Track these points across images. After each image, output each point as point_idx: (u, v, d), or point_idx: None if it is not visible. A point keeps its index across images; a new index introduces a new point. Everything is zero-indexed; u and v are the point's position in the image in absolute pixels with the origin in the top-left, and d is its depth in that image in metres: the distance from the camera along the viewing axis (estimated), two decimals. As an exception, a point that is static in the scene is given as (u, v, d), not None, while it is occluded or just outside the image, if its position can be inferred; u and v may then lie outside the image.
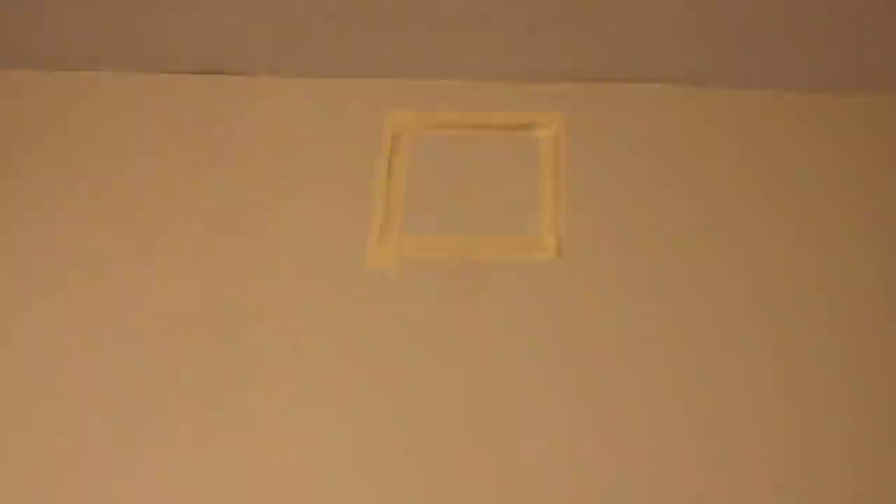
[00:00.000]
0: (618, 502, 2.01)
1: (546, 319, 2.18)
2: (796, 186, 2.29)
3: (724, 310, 2.17)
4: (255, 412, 2.11)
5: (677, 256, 2.23)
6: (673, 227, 2.26)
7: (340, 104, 2.41)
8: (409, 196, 2.31)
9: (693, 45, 2.25)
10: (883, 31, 2.20)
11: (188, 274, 2.24)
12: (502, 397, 2.11)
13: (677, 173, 2.31)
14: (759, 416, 2.07)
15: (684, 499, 2.01)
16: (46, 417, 2.12)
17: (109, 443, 2.09)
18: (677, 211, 2.27)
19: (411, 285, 2.22)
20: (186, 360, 2.16)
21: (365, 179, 2.33)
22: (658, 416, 2.08)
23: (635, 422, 2.08)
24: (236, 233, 2.29)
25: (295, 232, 2.28)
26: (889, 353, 2.11)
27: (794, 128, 2.35)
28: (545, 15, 2.18)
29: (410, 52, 2.33)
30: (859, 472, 2.01)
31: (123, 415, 2.11)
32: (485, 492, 2.03)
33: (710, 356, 2.13)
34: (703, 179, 2.30)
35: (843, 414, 2.06)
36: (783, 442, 2.04)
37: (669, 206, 2.28)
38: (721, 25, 2.19)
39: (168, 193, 2.33)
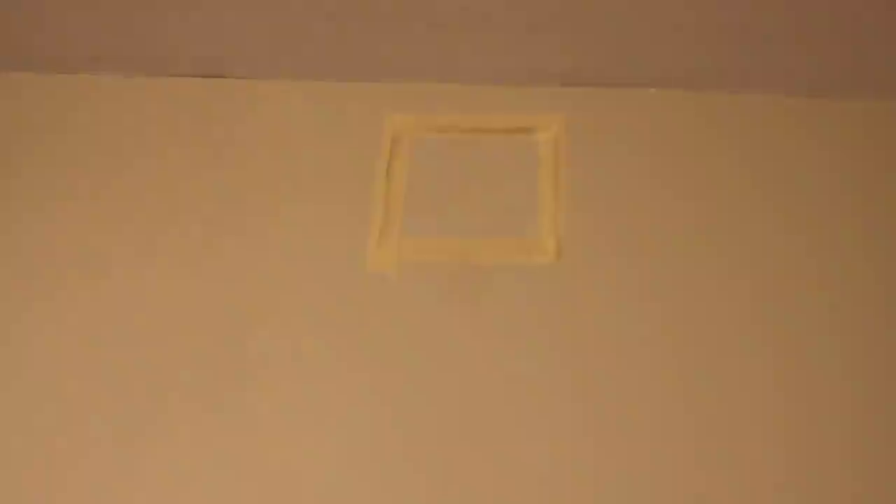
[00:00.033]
0: None
1: (546, 322, 2.18)
2: (796, 190, 2.29)
3: (725, 312, 2.17)
4: (254, 413, 2.11)
5: (677, 259, 2.23)
6: (673, 231, 2.26)
7: (340, 107, 2.42)
8: (409, 199, 2.31)
9: (693, 46, 2.26)
10: (883, 35, 2.20)
11: (188, 275, 2.24)
12: (502, 400, 2.10)
13: (677, 177, 2.31)
14: (759, 416, 2.07)
15: (684, 499, 2.01)
16: (46, 417, 2.11)
17: (109, 443, 2.09)
18: (677, 215, 2.27)
19: (411, 288, 2.22)
20: (186, 361, 2.16)
21: (364, 183, 2.33)
22: (659, 418, 2.08)
23: (636, 424, 2.08)
24: (236, 235, 2.29)
25: (295, 235, 2.28)
26: (889, 353, 2.11)
27: (793, 132, 2.35)
28: (545, 15, 2.19)
29: (410, 53, 2.33)
30: (859, 472, 2.02)
31: (123, 415, 2.11)
32: (485, 495, 2.03)
33: (711, 358, 2.13)
34: (703, 183, 2.31)
35: (843, 414, 2.06)
36: (783, 442, 2.04)
37: (669, 209, 2.28)
38: (722, 28, 2.20)
39: (168, 195, 2.33)
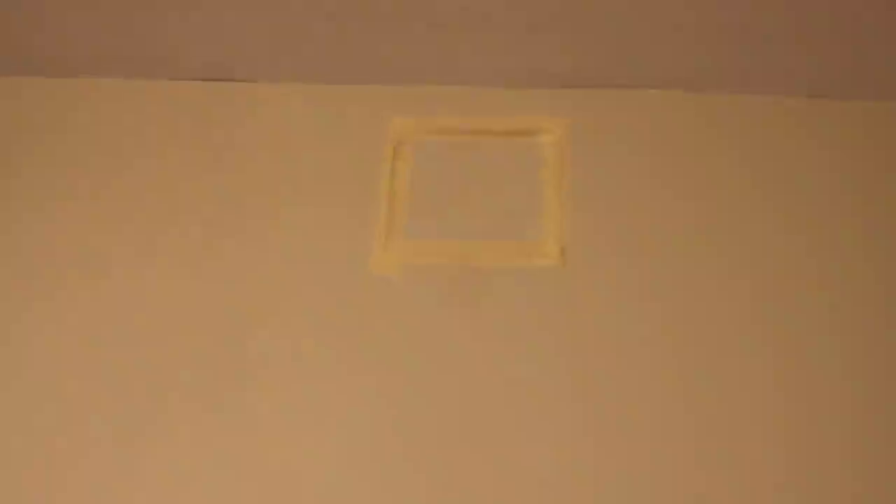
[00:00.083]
0: (619, 507, 2.01)
1: (550, 325, 2.17)
2: (799, 191, 2.29)
3: (728, 314, 2.17)
4: (254, 413, 2.11)
5: (681, 262, 2.22)
6: (676, 233, 2.25)
7: (341, 110, 2.42)
8: (413, 202, 2.31)
9: (693, 46, 2.26)
10: (883, 35, 2.20)
11: (188, 276, 2.25)
12: (505, 403, 2.10)
13: (681, 179, 2.31)
14: (759, 416, 2.07)
15: (684, 499, 2.00)
16: (46, 417, 2.11)
17: (109, 443, 2.09)
18: (681, 216, 2.27)
19: (414, 291, 2.22)
20: (186, 361, 2.16)
21: (365, 186, 2.33)
22: (662, 419, 2.08)
23: (638, 425, 2.07)
24: (236, 236, 2.29)
25: (295, 237, 2.29)
26: (889, 353, 2.11)
27: (796, 133, 2.35)
28: (545, 16, 2.19)
29: (411, 55, 2.33)
30: (859, 472, 2.01)
31: (123, 415, 2.11)
32: (485, 497, 2.03)
33: (713, 359, 2.13)
34: (706, 185, 2.30)
35: (843, 414, 2.06)
36: (783, 442, 2.04)
37: (673, 211, 2.28)
38: (722, 28, 2.20)
39: (169, 197, 2.34)
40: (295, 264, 2.26)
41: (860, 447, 2.03)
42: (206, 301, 2.22)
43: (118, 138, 2.41)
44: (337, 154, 2.37)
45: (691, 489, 2.02)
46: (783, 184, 2.30)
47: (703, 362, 2.13)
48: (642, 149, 2.34)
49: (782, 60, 2.29)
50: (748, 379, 2.11)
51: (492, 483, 2.04)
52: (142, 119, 2.43)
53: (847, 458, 2.03)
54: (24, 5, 2.25)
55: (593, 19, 2.20)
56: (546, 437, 2.07)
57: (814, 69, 2.31)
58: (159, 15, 2.26)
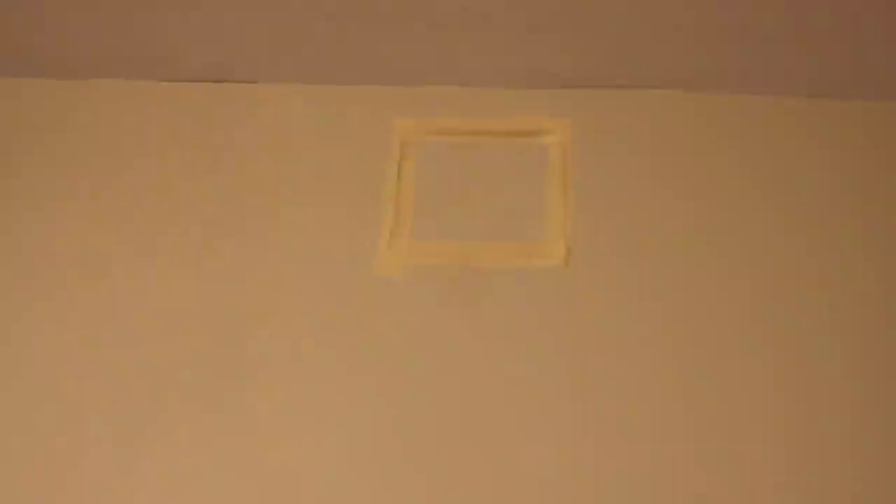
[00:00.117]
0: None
1: (555, 326, 2.17)
2: (799, 191, 2.29)
3: (730, 316, 2.17)
4: (254, 413, 2.11)
5: (682, 262, 2.22)
6: (677, 234, 2.25)
7: (343, 111, 2.41)
8: (418, 203, 2.31)
9: (693, 47, 2.26)
10: (883, 35, 2.20)
11: (188, 276, 2.25)
12: (508, 404, 2.10)
13: (680, 179, 2.31)
14: (759, 416, 2.07)
15: (684, 499, 2.01)
16: (46, 417, 2.12)
17: (109, 443, 2.09)
18: (681, 217, 2.27)
19: (417, 292, 2.22)
20: (186, 361, 2.16)
21: (367, 186, 2.33)
22: (662, 421, 2.08)
23: (638, 426, 2.07)
24: (237, 236, 2.29)
25: (295, 237, 2.29)
26: (889, 353, 2.11)
27: (796, 133, 2.35)
28: (545, 16, 2.18)
29: (412, 56, 2.33)
30: (859, 472, 2.02)
31: (123, 415, 2.11)
32: (485, 497, 2.03)
33: (715, 362, 2.13)
34: (707, 185, 2.30)
35: (843, 414, 2.06)
36: (783, 442, 2.04)
37: (673, 212, 2.27)
38: (723, 28, 2.20)
39: (169, 197, 2.34)
40: (295, 264, 2.26)
41: (860, 447, 2.03)
42: (206, 301, 2.22)
43: (118, 139, 2.41)
44: (337, 154, 2.37)
45: (691, 489, 2.02)
46: (783, 184, 2.30)
47: (704, 362, 2.13)
48: (642, 149, 2.34)
49: (782, 60, 2.28)
50: (748, 379, 2.11)
51: (492, 483, 2.04)
52: (142, 119, 2.43)
53: (847, 458, 2.03)
54: (24, 6, 2.25)
55: (593, 19, 2.20)
56: (547, 437, 2.07)
57: (814, 69, 2.31)
58: (159, 15, 2.26)
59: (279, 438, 2.09)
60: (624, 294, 2.20)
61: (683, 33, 2.22)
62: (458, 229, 2.28)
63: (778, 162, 2.32)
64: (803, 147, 2.33)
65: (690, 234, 2.25)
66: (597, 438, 2.07)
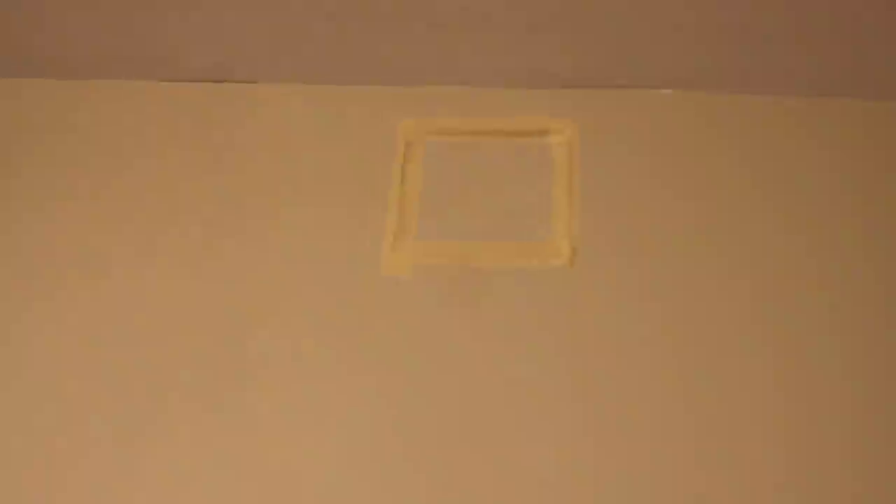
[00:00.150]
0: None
1: (562, 326, 2.17)
2: (799, 191, 2.29)
3: (731, 316, 2.17)
4: (254, 413, 2.11)
5: (686, 263, 2.22)
6: (677, 234, 2.25)
7: (344, 111, 2.41)
8: (423, 203, 2.31)
9: (693, 46, 2.26)
10: (883, 35, 2.20)
11: (189, 276, 2.25)
12: (512, 405, 2.10)
13: (680, 179, 2.31)
14: (759, 416, 2.07)
15: (684, 499, 2.01)
16: (46, 417, 2.12)
17: (109, 443, 2.09)
18: (681, 217, 2.27)
19: (422, 292, 2.21)
20: (186, 361, 2.16)
21: (369, 186, 2.33)
22: (662, 421, 2.08)
23: (638, 426, 2.07)
24: (237, 236, 2.29)
25: (295, 237, 2.29)
26: (889, 353, 2.11)
27: (796, 133, 2.35)
28: (545, 16, 2.18)
29: (412, 56, 2.33)
30: (859, 472, 2.01)
31: (123, 415, 2.11)
32: (485, 497, 2.03)
33: (715, 362, 2.13)
34: (707, 185, 2.30)
35: (843, 414, 2.06)
36: (783, 442, 2.04)
37: (674, 212, 2.27)
38: (723, 28, 2.20)
39: (169, 197, 2.34)
40: (295, 264, 2.26)
41: (860, 447, 2.03)
42: (206, 301, 2.22)
43: (118, 139, 2.41)
44: (337, 155, 2.37)
45: (691, 489, 2.02)
46: (783, 184, 2.30)
47: (705, 362, 2.13)
48: (642, 149, 2.34)
49: (782, 60, 2.29)
50: (749, 379, 2.11)
51: (492, 483, 2.04)
52: (142, 119, 2.43)
53: (847, 458, 2.02)
54: (23, 6, 2.25)
55: (593, 19, 2.20)
56: (549, 437, 2.07)
57: (814, 69, 2.31)
58: (159, 15, 2.26)
59: (279, 438, 2.09)
60: (628, 294, 2.19)
61: (683, 33, 2.22)
62: (463, 229, 2.28)
63: (778, 162, 2.32)
64: (803, 147, 2.34)
65: (691, 234, 2.25)
66: (598, 438, 2.07)
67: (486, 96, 2.41)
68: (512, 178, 2.33)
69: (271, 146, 2.38)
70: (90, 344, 2.18)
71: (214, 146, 2.39)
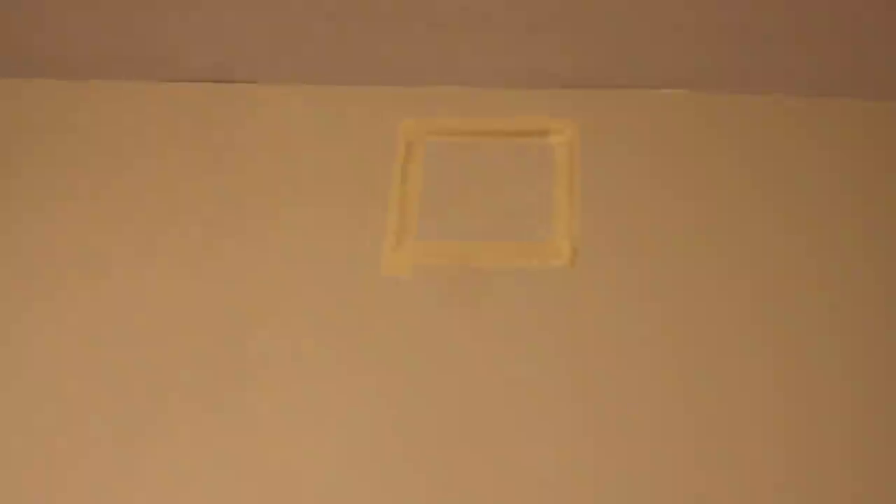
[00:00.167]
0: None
1: (563, 326, 2.17)
2: (799, 191, 2.29)
3: (731, 316, 2.16)
4: (254, 413, 2.11)
5: (690, 264, 2.22)
6: (677, 234, 2.25)
7: (344, 111, 2.42)
8: (424, 203, 2.31)
9: (693, 46, 2.26)
10: (883, 35, 2.20)
11: (189, 276, 2.25)
12: (512, 405, 2.10)
13: (680, 179, 2.31)
14: (759, 416, 2.07)
15: (684, 499, 2.01)
16: (46, 417, 2.12)
17: (109, 443, 2.09)
18: (682, 217, 2.27)
19: (423, 292, 2.21)
20: (186, 361, 2.16)
21: (369, 187, 2.33)
22: (662, 421, 2.07)
23: (638, 426, 2.07)
24: (237, 236, 2.29)
25: (295, 237, 2.29)
26: (889, 353, 2.11)
27: (796, 133, 2.35)
28: (545, 16, 2.19)
29: (412, 56, 2.33)
30: (859, 472, 2.01)
31: (123, 415, 2.11)
32: (485, 497, 2.03)
33: (715, 362, 2.13)
34: (708, 185, 2.30)
35: (843, 414, 2.06)
36: (783, 442, 2.04)
37: (674, 212, 2.27)
38: (723, 28, 2.20)
39: (169, 197, 2.34)
40: (295, 264, 2.26)
41: (860, 447, 2.03)
42: (206, 301, 2.22)
43: (118, 139, 2.41)
44: (338, 155, 2.37)
45: (691, 489, 2.02)
46: (783, 184, 2.30)
47: (706, 362, 2.13)
48: (642, 149, 2.34)
49: (782, 60, 2.29)
50: (749, 379, 2.10)
51: (492, 483, 2.04)
52: (142, 120, 2.43)
53: (847, 458, 2.02)
54: (24, 6, 2.25)
55: (593, 19, 2.20)
56: (549, 437, 2.07)
57: (814, 69, 2.31)
58: (159, 15, 2.26)
59: (279, 438, 2.09)
60: (629, 294, 2.19)
61: (683, 33, 2.22)
62: (464, 230, 2.28)
63: (778, 162, 2.32)
64: (803, 147, 2.34)
65: (691, 234, 2.25)
66: (598, 438, 2.07)
67: (487, 96, 2.41)
68: (512, 178, 2.33)
69: (271, 146, 2.38)
70: (90, 344, 2.18)
71: (214, 146, 2.39)
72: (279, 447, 2.08)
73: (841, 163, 2.32)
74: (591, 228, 2.26)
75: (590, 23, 2.21)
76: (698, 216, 2.27)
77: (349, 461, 2.06)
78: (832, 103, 2.37)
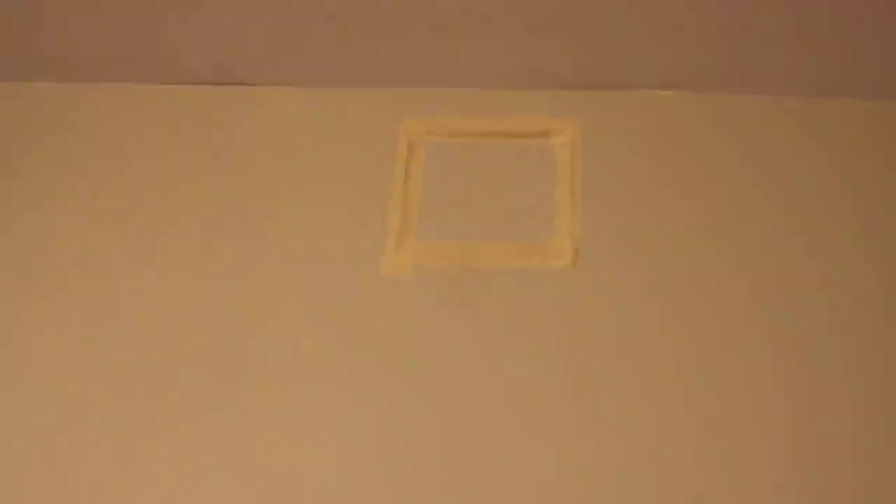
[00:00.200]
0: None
1: (564, 326, 2.17)
2: (799, 191, 2.29)
3: (731, 316, 2.16)
4: (254, 413, 2.11)
5: (690, 264, 2.22)
6: (678, 234, 2.25)
7: (344, 111, 2.42)
8: (425, 204, 2.31)
9: (693, 46, 2.26)
10: (883, 35, 2.20)
11: (189, 276, 2.25)
12: (512, 405, 2.10)
13: (681, 179, 2.31)
14: (759, 416, 2.07)
15: (684, 499, 2.00)
16: (46, 417, 2.12)
17: (109, 443, 2.09)
18: (682, 217, 2.27)
19: (424, 292, 2.21)
20: (186, 361, 2.16)
21: (370, 187, 2.33)
22: (662, 421, 2.07)
23: (638, 426, 2.07)
24: (237, 236, 2.29)
25: (295, 237, 2.29)
26: (889, 353, 2.11)
27: (796, 133, 2.35)
28: (545, 16, 2.19)
29: (412, 57, 2.34)
30: (859, 472, 2.01)
31: (123, 415, 2.11)
32: (485, 497, 2.03)
33: (715, 362, 2.13)
34: (708, 185, 2.30)
35: (843, 414, 2.06)
36: (783, 442, 2.04)
37: (675, 212, 2.27)
38: (723, 28, 2.20)
39: (169, 197, 2.34)
40: (295, 264, 2.26)
41: (860, 447, 2.03)
42: (206, 301, 2.22)
43: (119, 141, 2.41)
44: (338, 155, 2.37)
45: (691, 489, 2.02)
46: (783, 184, 2.30)
47: (704, 362, 2.13)
48: (643, 149, 2.34)
49: (782, 60, 2.29)
50: (749, 379, 2.10)
51: (492, 483, 2.04)
52: (142, 121, 2.43)
53: (847, 458, 2.02)
54: (24, 7, 2.26)
55: (593, 19, 2.20)
56: (550, 437, 2.07)
57: (814, 69, 2.31)
58: (159, 16, 2.27)
59: (279, 438, 2.09)
60: (630, 295, 2.19)
61: (683, 33, 2.22)
62: (464, 230, 2.28)
63: (778, 162, 2.32)
64: (803, 147, 2.34)
65: (692, 234, 2.25)
66: (598, 438, 2.07)
67: (488, 97, 2.41)
68: (513, 178, 2.33)
69: (271, 147, 2.39)
70: (90, 344, 2.18)
71: (215, 147, 2.39)
72: (279, 447, 2.08)
73: (841, 163, 2.32)
74: (592, 229, 2.26)
75: (590, 23, 2.21)
76: (699, 216, 2.27)
77: (349, 461, 2.06)
78: (832, 103, 2.37)
